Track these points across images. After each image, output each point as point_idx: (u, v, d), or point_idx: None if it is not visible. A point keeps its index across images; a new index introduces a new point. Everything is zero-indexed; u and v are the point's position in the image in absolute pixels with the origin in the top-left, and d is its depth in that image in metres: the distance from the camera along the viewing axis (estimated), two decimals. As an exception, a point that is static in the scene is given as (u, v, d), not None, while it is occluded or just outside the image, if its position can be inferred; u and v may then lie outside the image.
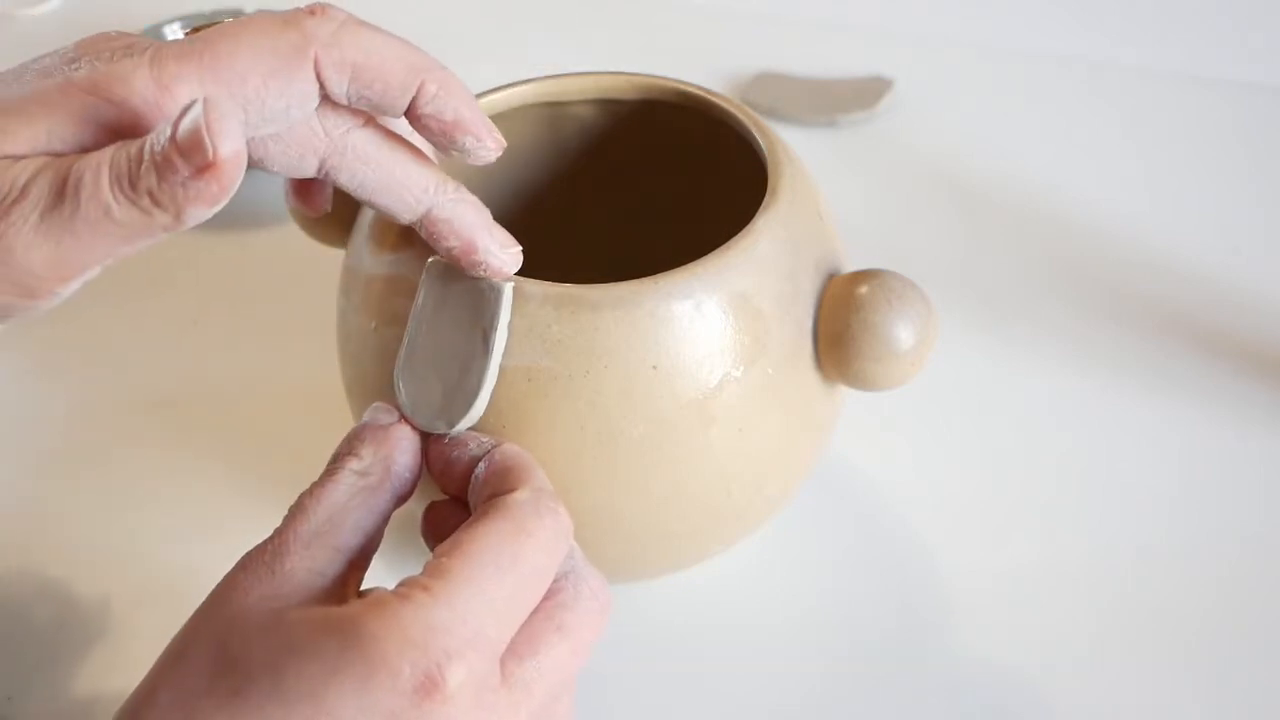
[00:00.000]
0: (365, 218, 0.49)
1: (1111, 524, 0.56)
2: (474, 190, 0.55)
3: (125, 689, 0.52)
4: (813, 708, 0.50)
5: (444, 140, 0.42)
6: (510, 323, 0.43)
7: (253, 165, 0.41)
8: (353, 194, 0.43)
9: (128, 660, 0.52)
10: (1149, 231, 0.69)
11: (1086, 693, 0.50)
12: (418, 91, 0.41)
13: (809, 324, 0.46)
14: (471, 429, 0.44)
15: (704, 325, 0.44)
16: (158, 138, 0.35)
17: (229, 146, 0.35)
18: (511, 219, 0.57)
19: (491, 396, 0.44)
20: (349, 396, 0.50)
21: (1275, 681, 0.50)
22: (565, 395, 0.43)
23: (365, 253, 0.48)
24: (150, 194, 0.36)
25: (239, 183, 0.36)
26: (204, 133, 0.35)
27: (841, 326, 0.46)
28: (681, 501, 0.46)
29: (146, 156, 0.35)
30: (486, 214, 0.44)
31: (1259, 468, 0.58)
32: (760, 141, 0.49)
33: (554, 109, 0.54)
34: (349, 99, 0.41)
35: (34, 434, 0.61)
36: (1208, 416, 0.60)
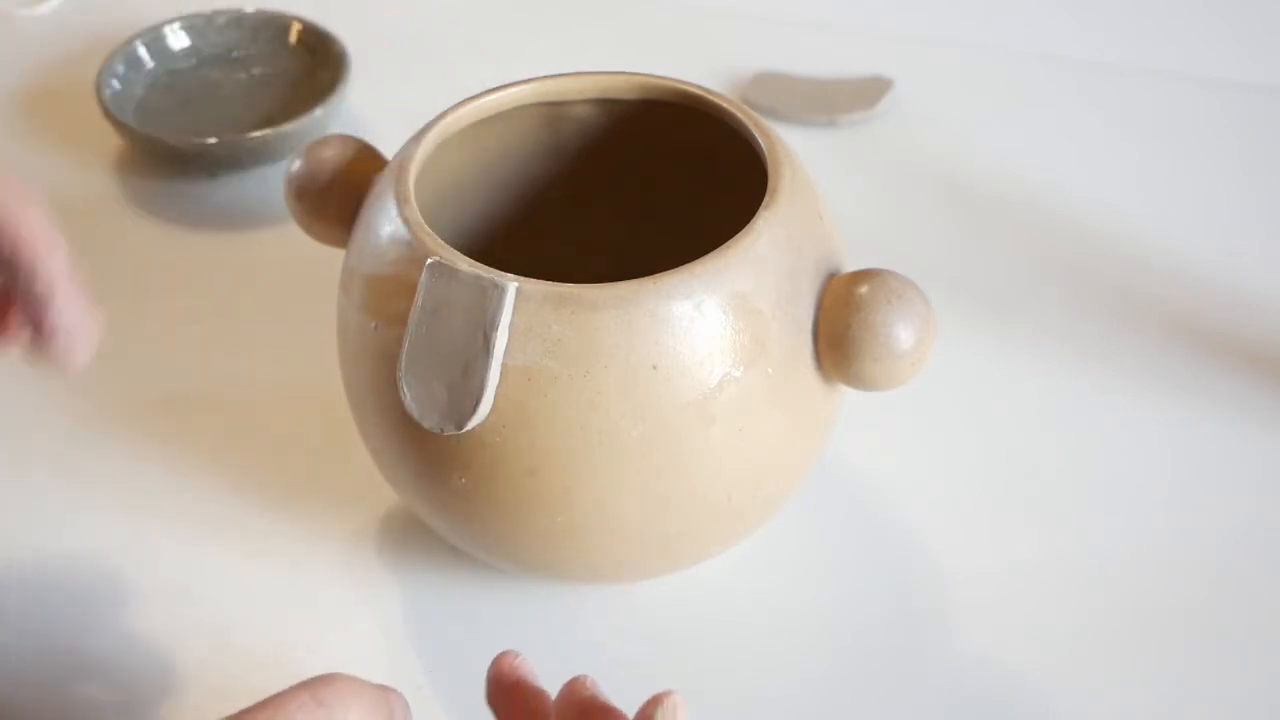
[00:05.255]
0: (365, 218, 0.49)
1: (1111, 523, 0.56)
2: (474, 191, 0.56)
3: (124, 688, 0.52)
4: (812, 707, 0.50)
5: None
6: (511, 323, 0.43)
7: None
8: None
9: (127, 659, 0.52)
10: (1149, 231, 0.69)
11: (1087, 692, 0.50)
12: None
13: (809, 324, 0.46)
14: (472, 431, 0.44)
15: (704, 325, 0.44)
16: None
17: None
18: (511, 219, 0.57)
19: (495, 397, 0.44)
20: (349, 396, 0.50)
21: (1277, 680, 0.50)
22: (565, 395, 0.43)
23: (365, 253, 0.48)
24: None
25: None
26: None
27: (842, 327, 0.46)
28: (681, 501, 0.46)
29: None
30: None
31: (1258, 468, 0.58)
32: (760, 142, 0.49)
33: (554, 109, 0.54)
34: None
35: (34, 433, 0.61)
36: (1208, 416, 0.60)
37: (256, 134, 0.70)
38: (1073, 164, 0.73)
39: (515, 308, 0.43)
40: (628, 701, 0.50)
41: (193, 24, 0.77)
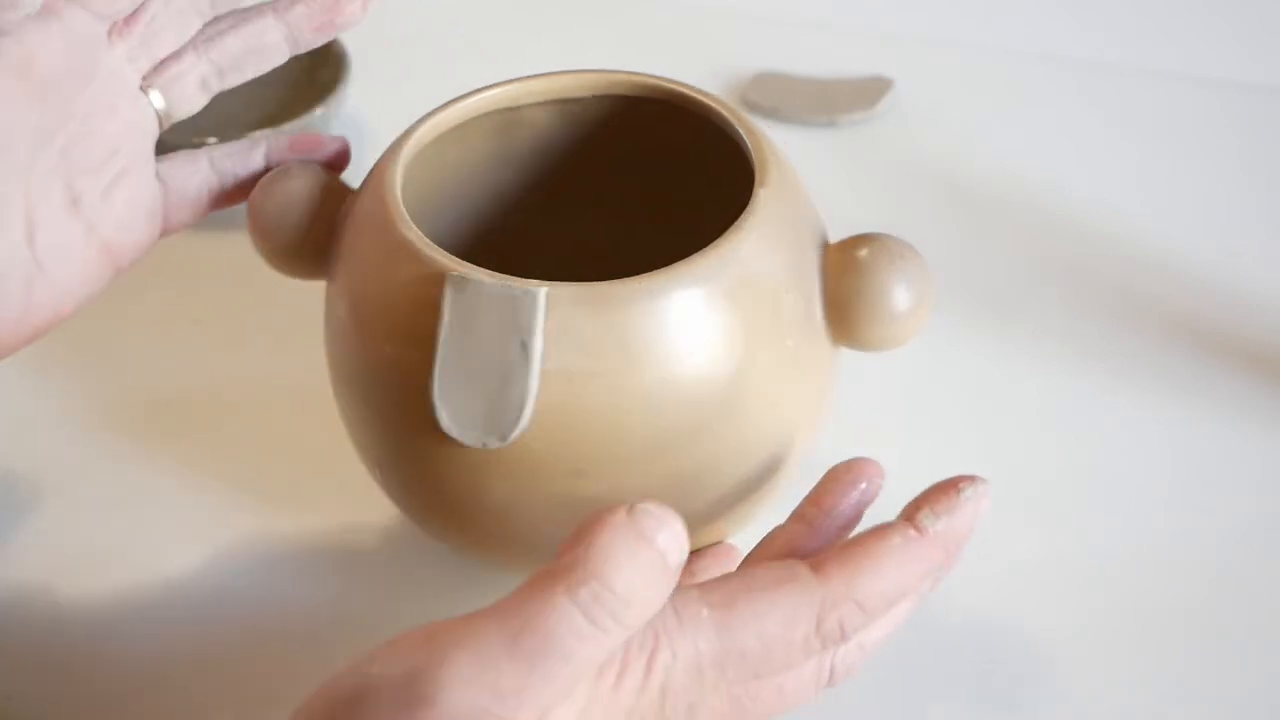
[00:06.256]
0: (351, 244, 0.48)
1: (1111, 523, 0.56)
2: (468, 195, 0.55)
3: (122, 689, 0.52)
4: (810, 706, 0.50)
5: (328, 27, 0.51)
6: (544, 328, 0.43)
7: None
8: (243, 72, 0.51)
9: (126, 660, 0.52)
10: (1149, 232, 0.69)
11: (1087, 692, 0.50)
12: None
13: (817, 293, 0.47)
14: (515, 441, 0.44)
15: (729, 305, 0.45)
16: None
17: None
18: (510, 219, 0.57)
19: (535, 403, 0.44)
20: (360, 431, 0.49)
21: (1277, 680, 0.50)
22: (605, 392, 0.44)
23: (363, 279, 0.47)
24: None
25: None
26: None
27: (850, 291, 0.47)
28: (721, 482, 0.47)
29: None
30: None
31: (1258, 468, 0.58)
32: (739, 130, 0.49)
33: (511, 114, 0.53)
34: None
35: (33, 433, 0.61)
36: (1208, 416, 0.60)
37: (256, 134, 0.70)
38: (1073, 164, 0.73)
39: (547, 311, 0.43)
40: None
41: (193, 24, 0.77)
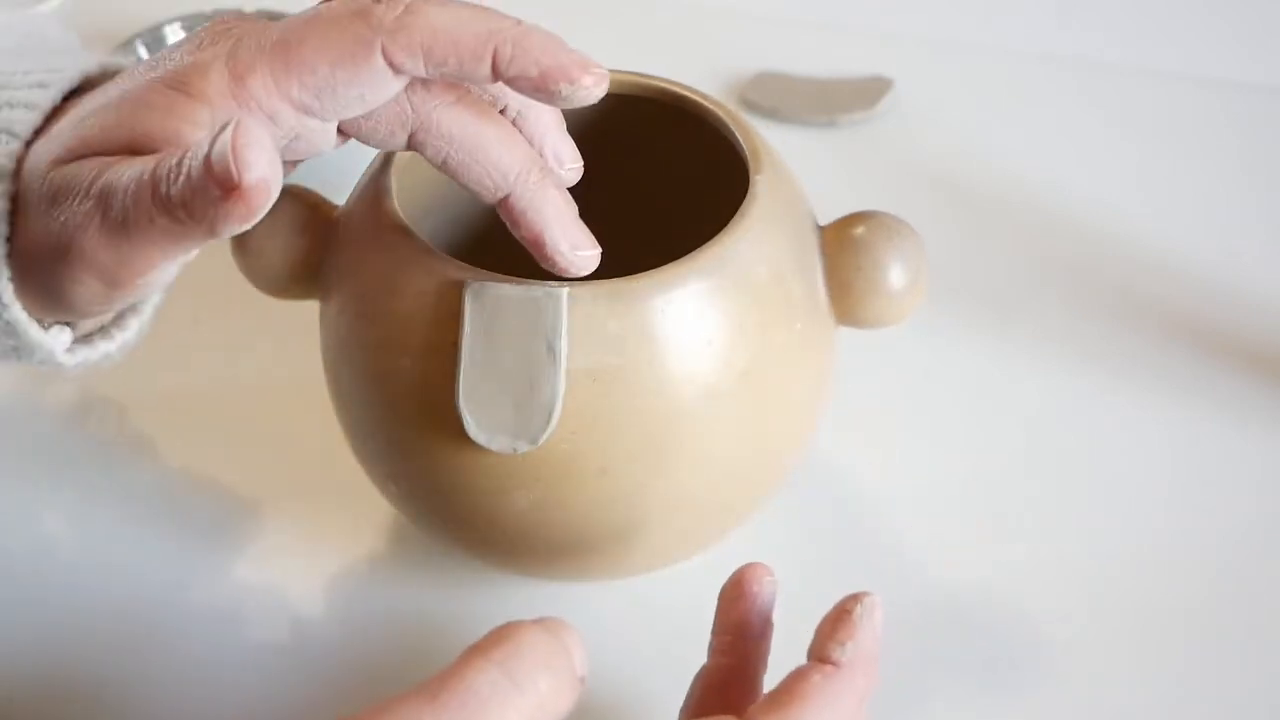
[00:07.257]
0: (353, 258, 0.48)
1: (1111, 523, 0.56)
2: (448, 203, 0.54)
3: (121, 690, 0.52)
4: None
5: (542, 95, 0.42)
6: (568, 328, 0.43)
7: (350, 136, 0.43)
8: (439, 169, 0.43)
9: (125, 660, 0.52)
10: (1149, 232, 0.69)
11: (1088, 692, 0.50)
12: (494, 58, 0.41)
13: (819, 274, 0.48)
14: (542, 444, 0.44)
15: (744, 292, 0.45)
16: (195, 154, 0.37)
17: (254, 174, 0.36)
18: (488, 224, 0.57)
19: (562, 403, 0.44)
20: (367, 449, 0.49)
21: (1277, 680, 0.50)
22: (631, 387, 0.44)
23: (370, 293, 0.47)
24: (185, 207, 0.38)
25: (269, 204, 0.37)
26: (230, 159, 0.36)
27: (850, 268, 0.48)
28: (743, 469, 0.47)
29: (183, 173, 0.37)
30: (567, 209, 0.44)
31: (1258, 468, 0.58)
32: (723, 120, 0.49)
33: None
34: (431, 76, 0.41)
35: (32, 433, 0.61)
36: (1208, 416, 0.60)
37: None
38: (1073, 164, 0.73)
39: (569, 311, 0.43)
40: (642, 692, 0.50)
41: (193, 24, 0.77)
